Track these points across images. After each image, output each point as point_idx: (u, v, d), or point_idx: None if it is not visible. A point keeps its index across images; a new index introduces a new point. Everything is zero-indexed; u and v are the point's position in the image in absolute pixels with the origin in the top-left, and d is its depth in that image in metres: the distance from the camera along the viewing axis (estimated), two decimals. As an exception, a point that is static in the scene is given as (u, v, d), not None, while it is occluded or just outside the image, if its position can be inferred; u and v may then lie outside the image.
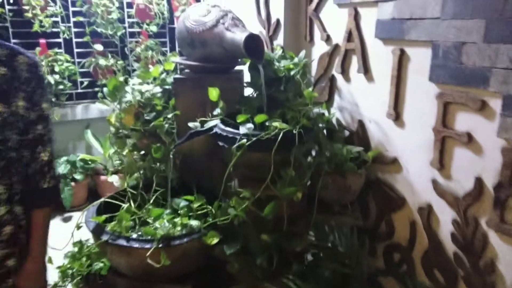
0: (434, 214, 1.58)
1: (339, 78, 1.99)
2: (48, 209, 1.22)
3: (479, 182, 1.38)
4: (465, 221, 1.45)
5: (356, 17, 1.81)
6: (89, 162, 3.24)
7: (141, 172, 1.87)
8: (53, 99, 3.08)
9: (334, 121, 2.01)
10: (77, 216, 1.71)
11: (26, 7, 2.84)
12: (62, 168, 3.09)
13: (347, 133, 1.97)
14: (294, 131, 1.44)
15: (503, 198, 1.31)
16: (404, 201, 1.71)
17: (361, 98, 1.88)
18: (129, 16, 3.30)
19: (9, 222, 1.08)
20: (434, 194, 1.56)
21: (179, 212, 1.50)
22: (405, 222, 1.71)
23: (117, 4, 3.15)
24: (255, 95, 1.84)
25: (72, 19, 3.11)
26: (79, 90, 3.27)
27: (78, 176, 3.14)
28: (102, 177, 3.32)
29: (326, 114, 2.03)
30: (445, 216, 1.53)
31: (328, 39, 2.03)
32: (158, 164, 1.85)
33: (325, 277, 1.43)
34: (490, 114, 1.32)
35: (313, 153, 1.65)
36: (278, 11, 2.23)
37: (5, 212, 1.07)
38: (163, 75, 1.96)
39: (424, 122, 1.55)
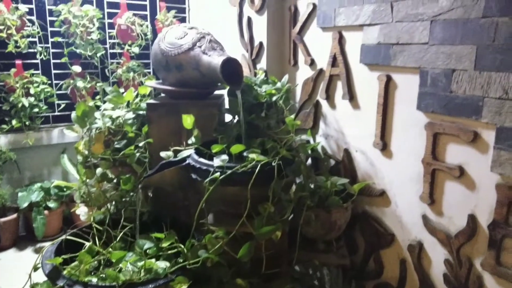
0: (425, 252, 1.46)
1: (324, 104, 1.90)
2: None
3: (472, 219, 1.27)
4: (458, 262, 1.34)
5: (341, 41, 1.73)
6: (64, 189, 3.07)
7: (112, 204, 1.73)
8: (27, 123, 2.93)
9: (319, 149, 1.91)
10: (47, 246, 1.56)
11: (1, 27, 2.73)
12: (35, 195, 2.92)
13: (332, 162, 1.86)
14: (273, 163, 1.32)
15: (499, 238, 1.20)
16: (393, 237, 1.59)
17: (347, 126, 1.78)
18: (110, 37, 3.20)
19: None
20: (424, 231, 1.44)
21: (146, 253, 1.36)
22: (395, 260, 1.59)
23: (97, 25, 3.05)
24: (234, 122, 1.73)
25: (50, 40, 3.00)
26: (56, 113, 3.13)
27: (51, 204, 2.97)
28: (74, 208, 3.15)
29: (311, 141, 1.93)
30: (437, 255, 1.41)
31: (312, 63, 1.94)
32: (129, 196, 1.72)
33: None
34: (483, 146, 1.22)
35: (295, 185, 1.53)
36: (261, 33, 2.15)
37: None
38: (137, 100, 1.84)
39: (413, 153, 1.45)
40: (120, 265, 1.31)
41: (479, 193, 1.25)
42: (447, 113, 1.30)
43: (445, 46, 1.28)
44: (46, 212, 2.96)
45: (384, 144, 1.57)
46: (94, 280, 1.26)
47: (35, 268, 1.39)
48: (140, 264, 1.25)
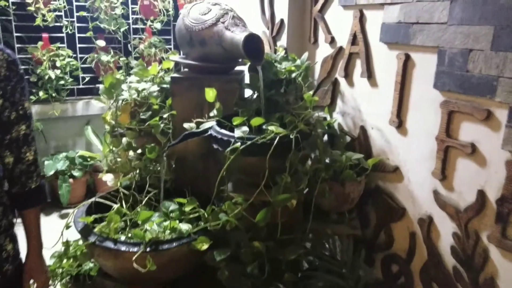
0: (434, 226, 1.52)
1: (342, 82, 1.94)
2: (38, 207, 1.22)
3: (481, 195, 1.33)
4: (465, 235, 1.39)
5: (362, 19, 1.76)
6: (88, 159, 3.22)
7: (136, 172, 1.83)
8: (53, 94, 3.05)
9: (336, 126, 1.96)
10: (69, 219, 1.68)
11: (29, 1, 2.81)
12: (60, 164, 3.07)
13: (348, 139, 1.92)
14: (291, 136, 1.39)
15: (506, 212, 1.25)
16: (404, 211, 1.65)
17: (364, 104, 1.82)
18: (133, 12, 3.27)
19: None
20: (435, 205, 1.50)
21: (170, 215, 1.45)
22: (405, 232, 1.66)
23: (121, 0, 3.12)
24: (254, 97, 1.79)
25: (76, 14, 3.08)
26: (81, 86, 3.24)
27: (76, 173, 3.12)
28: (101, 175, 3.29)
29: (328, 118, 1.98)
30: (446, 229, 1.47)
31: (332, 41, 1.97)
32: (153, 165, 1.81)
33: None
34: (495, 125, 1.26)
35: (311, 159, 1.60)
36: (282, 11, 2.18)
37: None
38: (161, 74, 1.91)
39: (427, 130, 1.49)
40: (146, 226, 1.41)
41: (490, 170, 1.30)
42: (462, 91, 1.34)
43: (463, 27, 1.31)
44: (71, 180, 3.11)
45: (400, 121, 1.61)
46: (123, 237, 1.37)
47: (67, 227, 1.50)
48: (165, 224, 1.35)
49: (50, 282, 1.66)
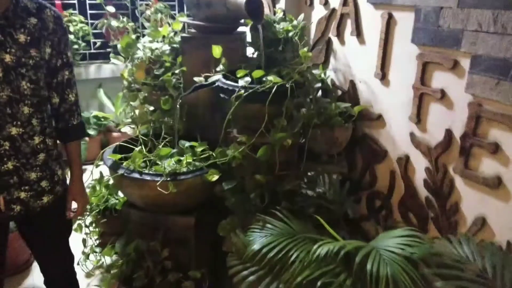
0: (410, 164, 1.77)
1: (335, 41, 2.15)
2: (80, 140, 1.45)
3: (448, 133, 1.56)
4: (435, 169, 1.64)
5: (351, -18, 1.94)
6: (102, 119, 3.46)
7: (151, 124, 2.07)
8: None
9: (329, 81, 2.18)
10: (90, 169, 1.93)
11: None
12: (77, 123, 3.30)
13: (340, 92, 2.14)
14: (286, 85, 1.62)
15: (468, 146, 1.50)
16: (386, 153, 1.90)
17: (353, 60, 2.04)
18: (140, -21, 3.43)
19: (42, 150, 1.30)
20: (411, 146, 1.75)
21: (184, 154, 1.71)
22: (386, 172, 1.91)
23: (128, -33, 3.28)
24: (255, 55, 2.01)
25: (86, -19, 3.25)
26: (92, 51, 3.44)
27: (91, 132, 3.36)
28: (114, 134, 3.55)
29: (322, 75, 2.20)
30: (419, 165, 1.72)
31: (326, 3, 2.16)
32: (166, 118, 2.05)
33: (309, 214, 1.64)
34: (460, 72, 1.49)
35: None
36: (280, -24, 2.36)
37: (39, 141, 1.28)
38: (172, 35, 2.12)
39: (406, 81, 1.72)
40: (165, 164, 1.67)
41: (455, 111, 1.53)
42: (434, 44, 1.55)
43: (436, -14, 1.51)
44: (87, 138, 3.36)
45: (383, 74, 1.83)
46: (146, 171, 1.63)
47: (96, 165, 1.77)
48: (181, 159, 1.60)
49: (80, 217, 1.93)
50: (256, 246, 1.34)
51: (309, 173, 1.92)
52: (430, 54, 1.58)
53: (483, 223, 1.49)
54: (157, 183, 1.49)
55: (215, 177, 1.57)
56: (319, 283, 1.16)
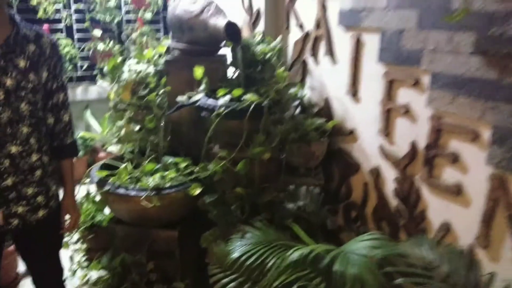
0: (381, 175, 1.89)
1: (310, 62, 2.29)
2: (73, 158, 1.53)
3: (413, 145, 1.69)
4: (403, 179, 1.76)
5: (324, 7, 2.09)
6: (88, 140, 3.52)
7: (137, 143, 2.16)
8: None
9: (306, 99, 2.31)
10: (77, 188, 1.98)
11: (31, -5, 3.09)
12: (64, 144, 3.36)
13: (316, 109, 2.27)
14: (264, 103, 1.73)
15: (431, 157, 1.62)
16: (359, 166, 2.01)
17: (327, 78, 2.17)
18: (126, 4, 3.56)
19: (38, 167, 1.38)
20: (381, 158, 1.86)
21: (168, 167, 1.80)
22: (360, 183, 2.02)
23: (114, -7, 3.41)
24: (235, 75, 2.13)
25: (73, 6, 3.36)
26: (79, 73, 3.53)
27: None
28: (100, 154, 3.61)
29: (300, 93, 2.33)
30: (389, 176, 1.84)
31: (301, 27, 2.31)
32: (151, 136, 2.14)
33: (287, 225, 1.73)
34: (422, 88, 1.62)
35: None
36: (259, 2, 2.51)
37: (36, 159, 1.36)
38: (156, 57, 2.23)
39: (374, 97, 1.85)
40: (149, 180, 1.75)
41: (419, 125, 1.66)
42: (398, 63, 1.69)
43: (398, 10, 1.66)
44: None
45: (354, 91, 1.97)
46: (131, 186, 1.71)
47: (83, 183, 1.84)
48: (165, 174, 1.69)
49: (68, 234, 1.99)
50: (235, 254, 1.42)
51: (290, 186, 2.03)
52: (394, 72, 1.72)
53: (448, 228, 1.60)
54: (141, 198, 1.57)
55: (197, 191, 1.65)
56: (295, 287, 1.25)
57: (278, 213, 1.77)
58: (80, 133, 3.55)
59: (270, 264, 1.35)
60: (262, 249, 1.42)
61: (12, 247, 2.08)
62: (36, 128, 1.35)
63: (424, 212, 1.70)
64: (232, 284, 1.40)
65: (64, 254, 1.92)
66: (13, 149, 1.30)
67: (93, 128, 3.71)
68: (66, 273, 1.81)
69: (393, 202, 1.84)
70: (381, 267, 1.18)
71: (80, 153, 3.44)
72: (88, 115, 3.62)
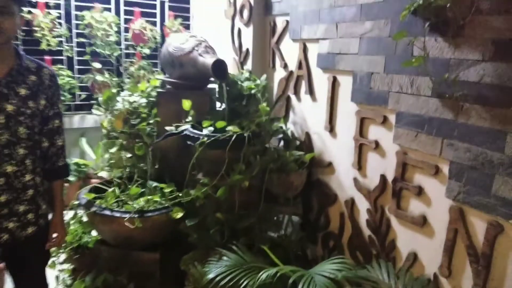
0: (355, 206, 2.00)
1: (293, 98, 2.45)
2: (63, 179, 1.64)
3: (383, 178, 1.82)
4: (375, 209, 1.88)
5: (305, 50, 2.28)
6: (82, 166, 3.62)
7: (126, 169, 2.28)
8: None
9: (289, 133, 2.46)
10: (70, 214, 2.08)
11: (37, 28, 3.29)
12: (57, 169, 3.46)
13: (298, 142, 2.41)
14: (244, 134, 1.87)
15: (398, 189, 1.74)
16: (336, 196, 2.13)
17: (308, 115, 2.33)
18: (125, 39, 3.77)
19: (31, 187, 1.49)
20: (355, 190, 1.99)
21: (153, 191, 1.90)
22: (337, 214, 2.13)
23: (115, 29, 3.62)
24: (221, 108, 2.28)
25: (75, 40, 3.56)
26: (77, 102, 3.69)
27: (71, 178, 3.52)
28: (93, 180, 3.70)
29: (284, 127, 2.47)
30: (362, 206, 1.95)
31: (285, 66, 2.49)
32: (140, 163, 2.26)
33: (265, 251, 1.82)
34: (389, 126, 1.77)
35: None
36: (248, 42, 2.70)
37: (29, 179, 1.47)
38: (150, 90, 2.39)
39: (348, 133, 1.99)
40: (135, 204, 1.86)
41: (387, 159, 1.80)
42: (368, 103, 1.85)
43: (368, 56, 1.83)
44: (66, 184, 3.50)
45: (331, 127, 2.11)
46: (117, 208, 1.81)
47: (72, 205, 1.94)
48: (149, 198, 1.79)
49: (55, 251, 2.06)
50: (210, 275, 1.51)
51: (273, 216, 2.13)
52: (365, 111, 1.87)
53: (414, 258, 1.70)
54: (125, 219, 1.67)
55: (179, 215, 1.76)
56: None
57: (257, 239, 1.86)
58: (74, 160, 3.65)
59: (243, 285, 1.44)
60: (236, 271, 1.51)
61: (0, 265, 2.14)
62: (32, 151, 1.48)
63: (394, 242, 1.80)
64: (206, 303, 1.48)
65: (50, 274, 1.99)
66: (9, 168, 1.41)
67: (87, 155, 3.82)
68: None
69: (366, 232, 1.95)
70: (341, 286, 1.28)
71: (73, 179, 3.53)
72: (83, 142, 3.73)
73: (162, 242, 1.91)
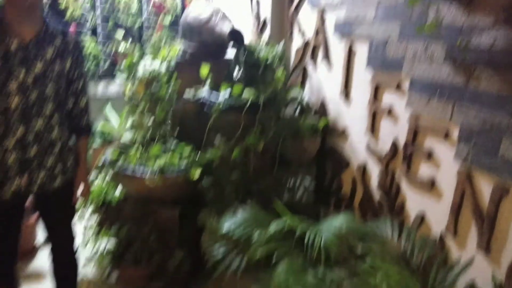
0: (367, 171, 2.06)
1: (310, 67, 2.48)
2: (87, 137, 1.76)
3: (395, 143, 1.86)
4: (386, 173, 1.93)
5: (322, 17, 2.29)
6: (106, 133, 3.78)
7: (148, 132, 2.38)
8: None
9: (304, 101, 2.50)
10: (95, 174, 2.22)
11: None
12: (83, 136, 3.62)
13: (314, 109, 2.46)
14: (259, 101, 1.93)
15: (408, 154, 1.79)
16: (349, 163, 2.19)
17: (324, 83, 2.36)
18: (147, 10, 3.83)
19: (58, 141, 1.60)
20: (367, 155, 2.04)
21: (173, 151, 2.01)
22: (349, 179, 2.20)
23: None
24: (238, 75, 2.34)
25: (98, 11, 3.65)
26: (101, 70, 3.81)
27: (96, 144, 3.68)
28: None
29: (299, 95, 2.52)
30: (374, 171, 2.01)
31: (303, 35, 2.51)
32: (160, 126, 2.36)
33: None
34: (402, 92, 1.80)
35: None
36: (266, 11, 2.73)
37: (57, 134, 1.59)
38: (169, 57, 2.46)
39: (363, 99, 2.03)
40: (156, 161, 1.96)
41: (399, 125, 1.83)
42: (383, 69, 1.87)
43: (383, 23, 1.85)
44: (91, 150, 3.66)
45: (346, 93, 2.15)
46: (139, 167, 1.93)
47: (98, 165, 2.06)
48: (169, 158, 1.90)
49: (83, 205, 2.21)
50: (225, 228, 1.61)
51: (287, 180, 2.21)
52: (380, 77, 1.90)
53: (422, 219, 1.76)
54: (146, 178, 1.79)
55: (197, 173, 1.86)
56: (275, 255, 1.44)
57: (271, 201, 1.95)
58: (99, 126, 3.80)
59: (255, 236, 1.54)
60: (249, 224, 1.61)
61: (32, 219, 2.32)
62: (59, 108, 1.59)
63: (403, 204, 1.86)
64: (221, 249, 1.59)
65: (78, 228, 2.15)
66: (38, 123, 1.52)
67: (111, 122, 3.96)
68: (79, 244, 2.03)
69: (377, 195, 2.01)
70: (347, 240, 1.36)
71: (98, 143, 3.69)
72: (108, 108, 3.87)
73: (182, 200, 2.02)
